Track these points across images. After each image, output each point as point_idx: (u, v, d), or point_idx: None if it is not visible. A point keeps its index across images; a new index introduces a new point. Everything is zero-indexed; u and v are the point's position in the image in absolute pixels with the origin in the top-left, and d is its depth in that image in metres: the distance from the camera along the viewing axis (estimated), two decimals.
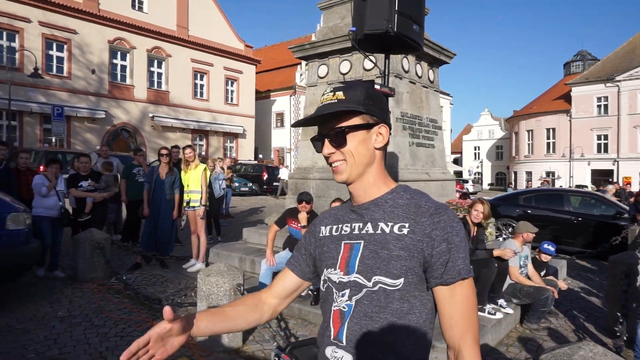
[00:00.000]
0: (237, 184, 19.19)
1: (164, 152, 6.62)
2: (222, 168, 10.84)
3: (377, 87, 3.08)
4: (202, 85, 28.75)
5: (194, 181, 6.59)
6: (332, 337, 1.12)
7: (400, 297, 1.04)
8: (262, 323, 1.31)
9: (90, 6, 23.03)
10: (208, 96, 28.90)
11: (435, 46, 6.91)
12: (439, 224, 1.04)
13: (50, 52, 22.06)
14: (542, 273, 5.25)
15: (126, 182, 7.47)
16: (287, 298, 1.32)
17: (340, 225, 1.19)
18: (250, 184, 21.25)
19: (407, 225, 1.06)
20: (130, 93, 25.04)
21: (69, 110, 21.37)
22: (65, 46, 22.49)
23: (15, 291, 5.17)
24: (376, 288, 1.06)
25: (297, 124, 1.20)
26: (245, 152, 30.77)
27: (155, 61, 26.32)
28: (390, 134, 1.19)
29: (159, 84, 26.57)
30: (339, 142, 1.11)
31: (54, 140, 19.87)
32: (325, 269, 1.18)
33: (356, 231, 1.13)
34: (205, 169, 6.71)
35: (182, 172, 6.72)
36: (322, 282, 1.20)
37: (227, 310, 1.24)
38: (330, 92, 1.12)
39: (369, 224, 1.12)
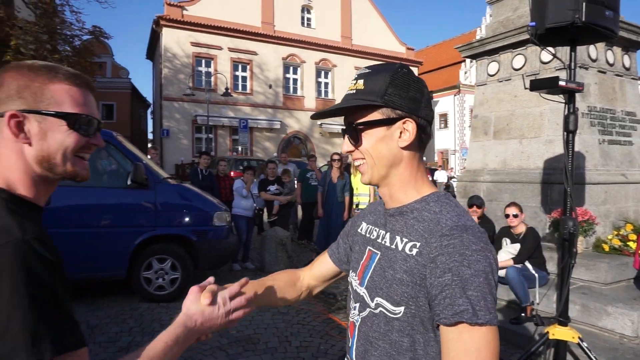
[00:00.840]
0: None
1: (335, 157, 7.13)
2: None
3: (562, 83, 2.85)
4: None
5: (362, 185, 6.93)
6: (347, 350, 1.04)
7: (399, 329, 0.88)
8: (297, 302, 1.26)
9: (267, 29, 25.91)
10: None
11: (631, 27, 5.96)
12: (447, 248, 0.82)
13: (237, 73, 25.50)
14: None
15: (301, 186, 8.23)
16: (325, 282, 1.26)
17: (373, 227, 1.05)
18: None
19: (418, 245, 0.88)
20: (301, 103, 27.32)
21: (251, 122, 24.35)
22: (248, 66, 25.74)
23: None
24: (377, 311, 0.93)
25: (316, 116, 1.07)
26: None
27: (322, 72, 28.19)
28: (423, 128, 0.94)
29: (326, 93, 28.36)
30: (355, 139, 0.96)
31: (240, 149, 22.90)
32: (351, 271, 1.10)
33: (379, 239, 1.00)
34: None
35: (352, 176, 7.12)
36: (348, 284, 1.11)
37: (268, 284, 1.19)
38: (354, 79, 0.96)
39: (388, 235, 0.97)
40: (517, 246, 4.56)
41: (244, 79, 25.86)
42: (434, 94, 34.50)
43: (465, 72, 32.50)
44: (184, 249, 5.31)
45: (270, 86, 26.24)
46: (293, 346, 4.02)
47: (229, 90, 21.32)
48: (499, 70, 6.42)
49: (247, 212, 6.76)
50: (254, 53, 25.70)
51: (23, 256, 0.73)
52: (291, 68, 27.22)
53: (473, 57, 6.93)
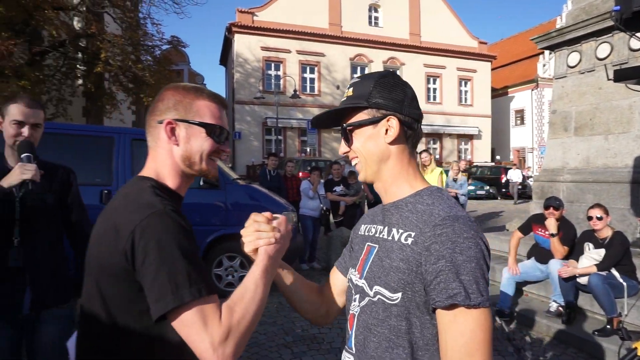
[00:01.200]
0: (472, 187, 18.58)
1: None
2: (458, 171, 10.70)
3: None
4: (434, 89, 28.94)
5: (431, 183, 6.72)
6: (346, 341, 1.08)
7: (398, 314, 0.93)
8: (316, 313, 1.24)
9: (335, 30, 26.07)
10: (441, 99, 28.90)
11: None
12: (440, 237, 0.88)
13: (305, 75, 25.93)
14: None
15: (368, 186, 8.16)
16: (339, 297, 1.24)
17: (371, 226, 1.11)
18: (487, 187, 20.24)
19: (413, 235, 0.93)
20: None
21: None
22: (315, 68, 26.07)
23: None
24: (376, 299, 0.98)
25: (315, 122, 1.16)
26: (480, 153, 29.50)
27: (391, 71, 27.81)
28: (408, 125, 1.02)
29: None
30: (347, 140, 1.06)
31: (308, 150, 23.24)
32: (350, 267, 1.14)
33: (377, 234, 1.05)
34: (441, 173, 6.77)
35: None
36: (347, 281, 1.16)
37: (305, 289, 1.23)
38: (347, 88, 1.07)
39: (385, 228, 1.02)
40: (602, 251, 4.19)
41: (312, 80, 26.21)
42: (508, 90, 32.78)
43: (544, 65, 30.51)
44: None
45: (338, 87, 26.37)
46: None
47: (297, 92, 21.72)
48: (580, 61, 5.95)
49: (314, 213, 6.84)
50: (322, 55, 25.97)
51: (164, 221, 0.97)
52: (359, 68, 27.15)
53: (551, 48, 6.48)
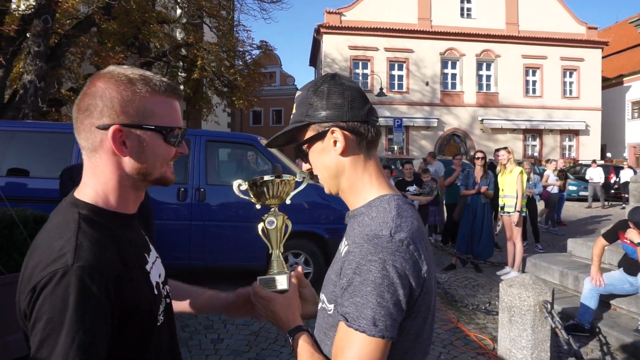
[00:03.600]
0: (574, 188, 16.95)
1: (479, 155, 6.64)
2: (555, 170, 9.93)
3: None
4: (534, 82, 26.82)
5: (509, 185, 6.31)
6: None
7: (333, 324, 0.92)
8: None
9: (424, 25, 25.34)
10: (541, 92, 26.69)
11: None
12: (350, 255, 0.88)
13: (393, 72, 25.58)
14: None
15: (445, 186, 7.88)
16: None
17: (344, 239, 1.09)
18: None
19: (349, 248, 0.91)
20: (460, 99, 26.02)
21: (407, 121, 24.10)
22: (404, 65, 25.59)
23: None
24: (319, 307, 1.02)
25: (270, 145, 1.13)
26: (587, 150, 26.65)
27: (484, 64, 26.38)
28: (354, 131, 0.96)
29: (488, 86, 26.47)
30: (305, 159, 1.04)
31: (396, 148, 22.89)
32: None
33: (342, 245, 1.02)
34: (521, 173, 6.31)
35: (499, 175, 6.54)
36: None
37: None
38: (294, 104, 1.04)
39: (344, 238, 1.00)
40: None
41: (400, 77, 25.77)
42: (623, 79, 29.23)
43: None
44: (316, 246, 5.58)
45: (427, 83, 25.63)
46: None
47: (384, 90, 21.50)
48: None
49: None
50: (411, 51, 25.41)
51: (65, 285, 0.76)
52: (449, 63, 26.11)
53: None
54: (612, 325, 4.27)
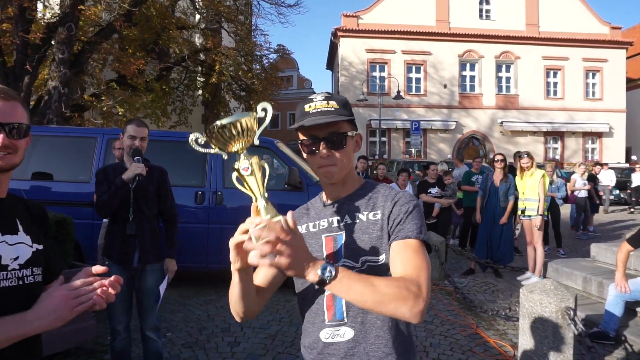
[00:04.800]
0: None
1: (498, 157, 6.54)
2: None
3: None
4: (555, 83, 26.34)
5: (530, 188, 6.18)
6: (326, 320, 1.23)
7: (386, 269, 1.19)
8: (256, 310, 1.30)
9: (442, 27, 25.14)
10: (563, 94, 26.19)
11: None
12: (399, 202, 1.24)
13: (410, 75, 25.44)
14: None
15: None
16: (266, 292, 1.31)
17: (316, 222, 1.32)
18: (617, 192, 17.82)
19: (379, 212, 1.25)
20: (479, 101, 25.71)
21: (424, 124, 23.93)
22: (421, 67, 25.43)
23: None
24: (365, 267, 1.20)
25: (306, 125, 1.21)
26: (611, 153, 25.96)
27: (504, 66, 26.03)
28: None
29: (508, 88, 26.10)
30: (338, 146, 1.23)
31: (413, 151, 22.71)
32: None
33: (335, 224, 1.28)
34: (543, 176, 6.18)
35: (518, 178, 6.42)
36: None
37: (252, 286, 1.25)
38: (324, 100, 1.22)
39: (347, 216, 1.28)
40: None
41: (418, 80, 25.61)
42: None
43: None
44: None
45: (445, 86, 25.40)
46: (430, 357, 3.84)
47: (401, 93, 21.37)
48: None
49: None
50: (428, 53, 25.24)
51: None
52: (468, 65, 25.85)
53: None
54: (639, 333, 4.14)
